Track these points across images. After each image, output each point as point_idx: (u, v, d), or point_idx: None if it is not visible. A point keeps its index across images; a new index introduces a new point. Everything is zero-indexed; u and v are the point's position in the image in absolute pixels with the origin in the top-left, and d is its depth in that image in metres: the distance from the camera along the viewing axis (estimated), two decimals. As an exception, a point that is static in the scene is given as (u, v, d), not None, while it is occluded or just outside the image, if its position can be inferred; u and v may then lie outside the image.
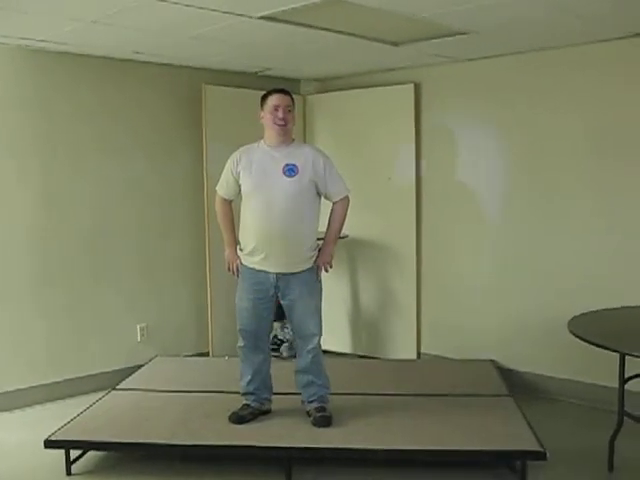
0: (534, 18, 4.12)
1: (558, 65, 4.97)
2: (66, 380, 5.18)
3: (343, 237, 6.03)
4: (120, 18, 4.02)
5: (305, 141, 6.40)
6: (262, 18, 4.04)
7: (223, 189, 4.19)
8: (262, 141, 4.09)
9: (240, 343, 4.19)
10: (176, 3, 3.69)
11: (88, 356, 5.32)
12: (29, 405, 4.97)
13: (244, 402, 4.19)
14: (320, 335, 4.16)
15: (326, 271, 4.18)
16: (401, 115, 5.79)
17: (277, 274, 4.02)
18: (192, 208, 5.80)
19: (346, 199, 4.17)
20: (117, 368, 5.35)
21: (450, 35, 4.52)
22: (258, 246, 4.00)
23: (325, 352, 6.28)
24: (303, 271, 4.05)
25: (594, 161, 4.85)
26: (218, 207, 4.24)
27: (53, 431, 3.94)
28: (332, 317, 6.37)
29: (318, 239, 4.17)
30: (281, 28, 4.25)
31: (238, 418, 4.08)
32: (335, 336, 6.37)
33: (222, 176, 4.19)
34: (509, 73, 5.24)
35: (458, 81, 5.53)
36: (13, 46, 4.81)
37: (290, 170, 3.96)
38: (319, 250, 4.13)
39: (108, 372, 5.32)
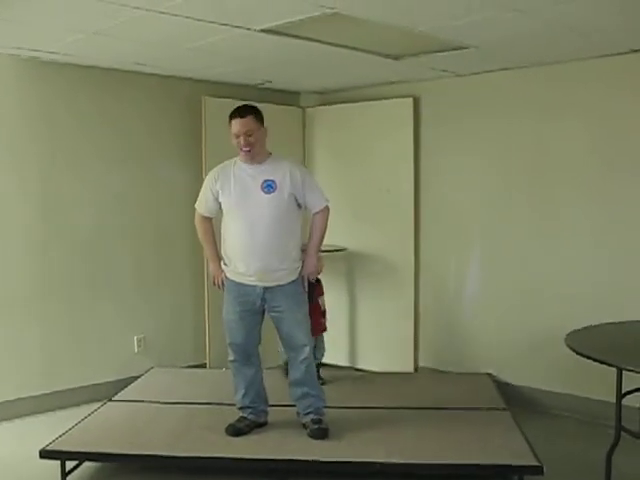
0: (534, 33, 4.14)
1: (558, 80, 4.99)
2: (62, 391, 5.16)
3: (341, 250, 6.05)
4: (121, 30, 4.04)
5: (304, 154, 6.44)
6: (263, 31, 4.05)
7: (202, 207, 4.22)
8: (238, 158, 4.11)
9: (231, 357, 4.20)
10: (176, 15, 3.71)
11: (85, 367, 5.30)
12: (25, 415, 4.95)
13: (241, 415, 4.18)
14: (310, 345, 4.16)
15: (311, 281, 4.27)
16: (400, 128, 5.80)
17: (263, 287, 4.04)
18: (191, 220, 5.71)
19: (326, 210, 4.21)
20: (114, 379, 5.33)
21: (450, 49, 4.53)
22: (242, 262, 4.03)
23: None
24: (289, 283, 4.08)
25: (596, 176, 4.86)
26: (198, 225, 4.27)
27: (49, 442, 3.92)
28: (329, 330, 6.36)
29: (303, 249, 4.22)
30: (281, 41, 4.27)
31: (235, 430, 4.08)
32: (332, 349, 6.35)
33: (201, 194, 4.22)
34: (509, 88, 5.25)
35: (458, 95, 5.55)
36: (15, 56, 4.83)
37: (268, 186, 4.00)
38: (303, 261, 4.16)
39: (105, 383, 5.30)
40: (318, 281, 4.94)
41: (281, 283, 4.05)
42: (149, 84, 5.58)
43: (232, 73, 5.53)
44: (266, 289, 4.04)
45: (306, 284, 4.20)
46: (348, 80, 5.88)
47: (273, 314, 4.11)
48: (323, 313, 5.18)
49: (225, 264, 4.14)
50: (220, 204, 4.12)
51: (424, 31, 4.06)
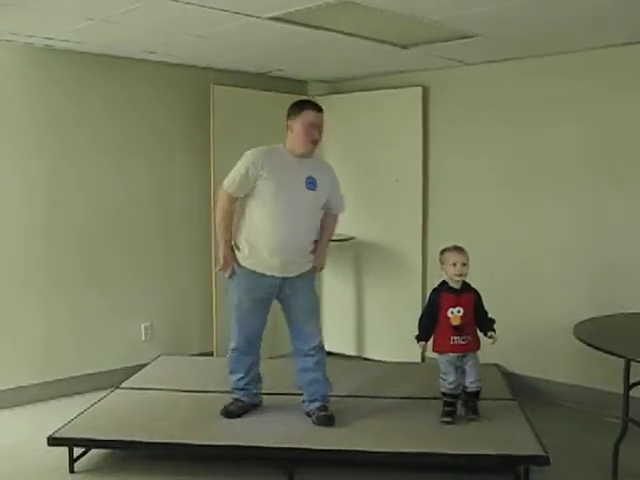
0: (543, 22, 4.11)
1: (568, 69, 4.97)
2: (70, 378, 5.19)
3: (349, 239, 6.05)
4: (131, 17, 4.03)
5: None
6: (271, 19, 4.04)
7: (234, 187, 3.99)
8: (283, 146, 4.09)
9: (233, 345, 4.20)
10: (186, 3, 3.70)
11: (92, 355, 5.33)
12: (33, 403, 4.98)
13: (234, 397, 4.22)
14: (318, 335, 4.19)
15: (318, 271, 4.34)
16: (409, 118, 5.78)
17: (283, 278, 4.05)
18: (198, 207, 5.80)
19: (340, 214, 4.35)
20: (121, 367, 5.35)
21: (459, 38, 4.51)
22: (269, 251, 3.97)
23: (329, 354, 6.30)
24: (304, 272, 4.12)
25: (606, 163, 4.84)
26: (225, 205, 4.05)
27: (56, 429, 3.94)
28: (337, 319, 6.39)
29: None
30: (290, 29, 4.26)
31: (228, 412, 4.13)
32: (340, 338, 6.37)
33: (234, 173, 4.01)
34: (519, 77, 5.23)
35: (467, 84, 5.53)
36: (20, 44, 4.82)
37: (311, 183, 4.03)
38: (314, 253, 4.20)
39: (112, 371, 5.33)
40: None
41: (298, 273, 4.08)
42: (157, 72, 5.58)
43: (241, 61, 5.52)
44: (284, 278, 4.05)
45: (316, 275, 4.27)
46: (357, 69, 5.85)
47: (288, 301, 4.12)
48: (456, 328, 4.03)
49: (239, 250, 4.06)
50: (254, 188, 3.98)
51: (433, 20, 4.04)
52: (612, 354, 3.42)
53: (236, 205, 4.08)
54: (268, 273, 4.02)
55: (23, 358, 5.00)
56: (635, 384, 3.80)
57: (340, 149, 6.29)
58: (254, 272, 4.03)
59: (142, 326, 5.62)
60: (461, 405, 4.09)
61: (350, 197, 6.05)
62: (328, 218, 4.25)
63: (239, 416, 4.13)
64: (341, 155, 6.28)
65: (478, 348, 4.08)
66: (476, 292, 4.10)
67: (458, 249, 4.07)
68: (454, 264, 4.01)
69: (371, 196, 6.11)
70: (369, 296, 6.21)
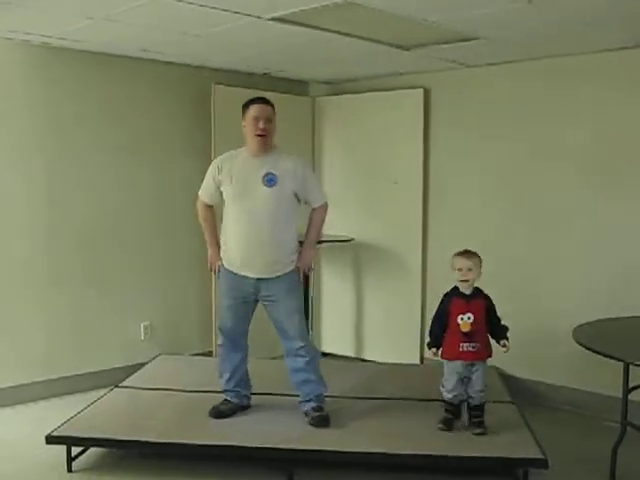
0: (545, 25, 4.11)
1: (569, 72, 4.97)
2: (69, 377, 5.19)
3: (348, 240, 6.05)
4: (132, 15, 4.03)
5: (313, 144, 6.43)
6: (272, 19, 4.04)
7: (205, 195, 4.28)
8: (244, 149, 4.14)
9: (220, 341, 4.29)
10: (187, 2, 3.70)
11: (91, 354, 5.33)
12: (31, 401, 4.98)
13: (225, 398, 4.26)
14: (303, 335, 4.16)
15: (305, 274, 4.28)
16: (410, 120, 5.78)
17: (256, 278, 4.07)
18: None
19: (324, 206, 4.25)
20: (120, 366, 5.35)
21: (460, 41, 4.51)
22: (238, 253, 4.07)
23: (328, 355, 6.34)
24: (284, 274, 4.10)
25: (608, 166, 4.84)
26: (200, 211, 4.33)
27: (55, 427, 3.94)
28: (336, 320, 6.39)
29: (300, 241, 4.23)
30: (291, 30, 4.26)
31: (218, 413, 4.16)
32: (338, 340, 6.37)
33: (204, 181, 4.27)
34: (519, 80, 5.23)
35: (468, 87, 5.53)
36: (18, 41, 4.81)
37: (270, 180, 4.02)
38: (299, 253, 4.18)
39: (111, 370, 5.33)
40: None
41: (276, 275, 4.07)
42: (158, 71, 5.57)
43: (242, 61, 5.52)
44: (259, 280, 4.07)
45: (301, 276, 4.22)
46: (358, 70, 5.86)
47: (266, 303, 4.14)
48: (466, 334, 3.93)
49: (223, 252, 4.19)
50: (222, 193, 4.15)
51: (435, 22, 4.04)
52: (611, 357, 3.42)
53: (212, 210, 4.32)
54: (242, 273, 4.08)
55: (23, 356, 5.00)
56: (634, 388, 3.80)
57: (340, 150, 6.30)
58: (233, 273, 4.13)
59: (141, 325, 5.62)
60: (467, 418, 4.03)
61: (350, 198, 6.12)
62: (311, 214, 4.24)
63: (228, 416, 4.15)
64: (341, 156, 6.29)
65: (489, 356, 3.98)
66: (487, 298, 4.01)
67: (465, 254, 3.99)
68: (459, 269, 3.95)
69: (371, 197, 6.11)
70: (368, 298, 6.21)
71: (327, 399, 4.25)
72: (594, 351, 3.49)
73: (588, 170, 4.92)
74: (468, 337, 3.89)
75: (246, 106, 4.10)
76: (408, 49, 4.82)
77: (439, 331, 4.00)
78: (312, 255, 4.25)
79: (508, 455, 3.69)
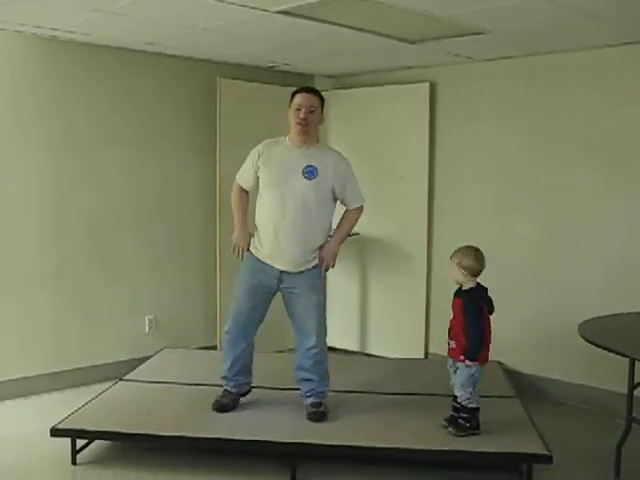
0: (550, 19, 4.09)
1: (574, 67, 4.95)
2: (74, 370, 5.20)
3: (354, 234, 6.03)
4: (137, 8, 4.02)
5: (318, 137, 6.39)
6: (279, 12, 4.03)
7: (240, 176, 4.21)
8: (288, 137, 4.10)
9: (227, 327, 4.22)
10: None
11: (96, 346, 5.34)
12: (36, 394, 4.99)
13: (224, 388, 4.23)
14: (318, 333, 4.10)
15: (326, 270, 4.15)
16: (416, 114, 5.77)
17: (282, 271, 4.03)
18: (203, 201, 5.80)
19: (361, 209, 4.20)
20: (125, 359, 5.36)
21: (467, 34, 4.49)
22: (267, 241, 4.02)
23: (332, 349, 6.32)
24: (309, 269, 4.06)
25: (618, 161, 4.82)
26: (234, 194, 4.24)
27: (59, 420, 3.95)
28: (341, 314, 6.38)
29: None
30: (297, 23, 4.24)
31: (221, 406, 4.13)
32: (343, 334, 6.36)
33: (243, 165, 4.19)
34: (526, 74, 5.21)
35: (475, 81, 5.51)
36: (28, 34, 4.81)
37: (309, 172, 3.97)
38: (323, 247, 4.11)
39: (115, 363, 5.34)
40: None
41: (301, 269, 4.04)
42: (164, 65, 5.57)
43: (247, 55, 5.50)
44: (284, 273, 4.03)
45: (323, 271, 4.13)
46: (364, 64, 5.84)
47: (287, 296, 4.10)
48: (448, 331, 3.92)
49: (253, 237, 4.14)
50: (258, 179, 4.09)
51: (441, 15, 4.03)
52: (616, 353, 3.42)
53: (246, 196, 4.23)
54: (268, 262, 4.04)
55: (28, 349, 5.01)
56: (639, 383, 3.79)
57: (346, 144, 6.26)
58: (259, 259, 4.07)
59: (146, 319, 5.63)
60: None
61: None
62: (346, 213, 4.19)
63: (232, 408, 4.13)
64: (347, 150, 6.18)
65: (460, 358, 3.76)
66: (466, 299, 3.81)
67: (455, 252, 3.92)
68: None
69: (376, 192, 6.07)
70: (373, 292, 6.20)
71: (331, 394, 4.25)
72: (599, 346, 3.49)
73: (597, 165, 4.89)
74: (449, 333, 3.89)
75: (293, 94, 4.08)
76: (414, 43, 4.80)
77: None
78: (336, 252, 4.16)
79: (512, 450, 3.69)
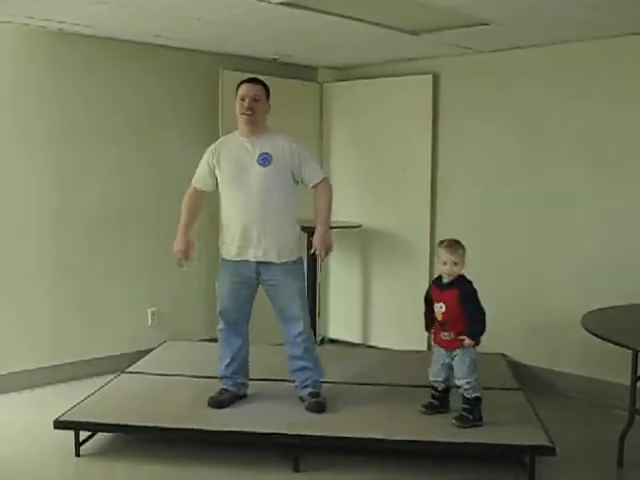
0: (554, 10, 4.07)
1: (579, 58, 4.94)
2: (76, 362, 5.21)
3: (356, 227, 6.04)
4: (143, 1, 4.02)
5: (321, 130, 6.40)
6: (281, 4, 4.01)
7: (198, 180, 4.24)
8: (237, 132, 4.14)
9: (220, 326, 4.25)
10: (196, -14, 3.69)
11: (98, 339, 5.34)
12: (39, 386, 4.99)
13: (222, 387, 4.22)
14: (305, 319, 4.14)
15: (324, 255, 4.14)
16: (419, 105, 5.75)
17: (257, 262, 4.05)
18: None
19: (325, 183, 4.15)
20: (127, 352, 5.36)
21: (470, 25, 4.48)
22: (237, 236, 4.05)
23: (335, 341, 6.34)
24: (287, 262, 4.07)
25: (619, 156, 4.81)
26: (186, 198, 4.28)
27: (63, 412, 3.95)
28: (343, 307, 6.39)
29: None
30: (300, 14, 4.23)
31: (217, 402, 4.12)
32: (345, 326, 6.37)
33: (198, 167, 4.24)
34: (529, 65, 5.19)
35: (477, 72, 5.49)
36: (35, 27, 4.79)
37: (264, 159, 4.00)
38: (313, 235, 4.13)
39: (118, 355, 5.34)
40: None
41: (277, 261, 4.05)
42: (166, 57, 5.55)
43: (250, 47, 5.49)
44: (259, 263, 4.05)
45: (321, 260, 4.17)
46: (367, 56, 5.82)
47: (267, 287, 4.13)
48: (440, 323, 3.92)
49: (223, 242, 4.17)
50: (216, 179, 4.14)
51: (444, 6, 4.01)
52: (620, 345, 3.41)
53: (200, 199, 4.29)
54: (242, 259, 4.06)
55: (31, 341, 5.01)
56: (642, 375, 3.79)
57: (348, 136, 6.27)
58: (233, 262, 4.11)
59: (148, 311, 5.63)
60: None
61: (357, 184, 6.11)
62: (315, 195, 4.17)
63: (227, 406, 4.12)
64: (349, 142, 6.26)
65: (461, 343, 3.82)
66: (462, 287, 3.83)
67: (450, 247, 3.87)
68: (444, 263, 3.87)
69: (378, 183, 6.09)
70: (375, 284, 6.20)
71: (333, 385, 4.27)
72: (603, 338, 3.48)
73: (601, 157, 4.88)
74: (442, 326, 3.88)
75: (238, 85, 4.12)
76: (417, 34, 4.78)
77: (426, 314, 4.04)
78: (325, 237, 4.11)
79: (515, 442, 3.68)
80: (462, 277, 3.90)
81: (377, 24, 4.52)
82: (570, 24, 4.43)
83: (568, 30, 4.60)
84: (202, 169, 4.20)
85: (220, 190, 4.16)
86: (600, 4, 3.90)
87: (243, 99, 4.03)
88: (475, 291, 3.85)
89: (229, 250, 4.12)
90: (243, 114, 4.03)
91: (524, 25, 4.49)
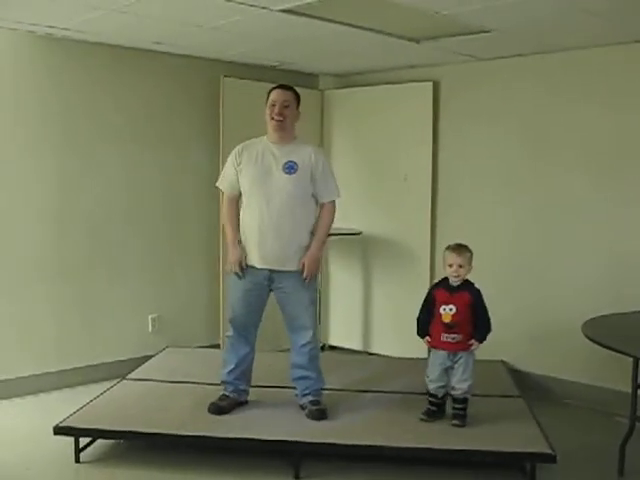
0: (555, 17, 4.09)
1: (579, 66, 4.95)
2: (77, 368, 5.20)
3: (357, 234, 6.04)
4: (141, 8, 4.03)
5: (322, 137, 6.41)
6: (282, 11, 4.03)
7: (226, 185, 4.20)
8: (265, 137, 4.13)
9: (229, 332, 4.24)
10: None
11: (99, 345, 5.34)
12: (39, 392, 4.99)
13: (222, 392, 4.22)
14: (313, 330, 4.14)
15: (310, 277, 4.07)
16: (419, 113, 5.76)
17: (270, 270, 4.04)
18: (206, 199, 5.79)
19: (332, 205, 4.15)
20: (128, 358, 5.36)
21: (471, 33, 4.49)
22: (253, 241, 4.04)
23: (335, 348, 6.34)
24: (297, 270, 4.05)
25: (620, 161, 4.81)
26: (226, 207, 4.21)
27: (63, 418, 3.95)
28: (344, 314, 6.39)
29: None
30: (300, 22, 4.25)
31: (218, 409, 4.11)
32: (346, 333, 6.37)
33: (224, 170, 4.22)
34: (530, 73, 5.20)
35: (478, 80, 5.50)
36: (31, 33, 4.82)
37: (289, 167, 4.00)
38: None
39: (119, 361, 5.34)
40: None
41: (290, 269, 4.04)
42: (167, 64, 5.57)
43: (251, 54, 5.50)
44: (272, 271, 4.05)
45: (307, 278, 4.06)
46: (368, 63, 5.83)
47: (278, 294, 4.12)
48: (447, 325, 3.96)
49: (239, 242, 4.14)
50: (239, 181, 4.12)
51: (445, 14, 4.02)
52: (620, 352, 3.41)
53: (236, 206, 4.20)
54: (257, 266, 4.05)
55: (31, 347, 5.01)
56: (643, 383, 3.78)
57: (349, 143, 6.28)
58: (248, 265, 4.08)
59: (149, 318, 5.63)
60: (452, 408, 4.03)
61: (358, 192, 6.11)
62: (320, 212, 4.15)
63: (228, 412, 4.11)
64: (350, 149, 6.27)
65: (470, 347, 3.95)
66: (474, 292, 3.94)
67: (457, 249, 3.96)
68: (450, 265, 3.94)
69: (379, 191, 6.10)
70: (376, 291, 6.20)
71: (333, 392, 4.27)
72: (603, 346, 3.48)
73: (602, 165, 4.89)
74: (449, 328, 3.91)
75: (270, 91, 4.12)
76: (419, 42, 4.80)
77: (425, 319, 4.04)
78: (319, 258, 4.12)
79: (516, 449, 3.68)
80: (468, 281, 3.96)
81: (378, 32, 4.53)
82: (571, 31, 4.44)
83: (569, 37, 4.61)
84: (229, 173, 4.15)
85: (243, 195, 4.12)
86: (601, 11, 3.91)
87: (274, 104, 4.02)
88: (481, 294, 3.94)
89: (246, 255, 4.10)
90: (273, 119, 4.02)
91: (525, 32, 4.50)
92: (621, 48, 4.70)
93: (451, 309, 3.90)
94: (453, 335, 3.91)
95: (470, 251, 3.97)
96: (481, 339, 3.93)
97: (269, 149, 4.06)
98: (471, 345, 3.92)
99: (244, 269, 4.08)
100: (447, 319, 3.91)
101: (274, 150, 4.05)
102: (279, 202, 3.97)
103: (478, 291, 3.94)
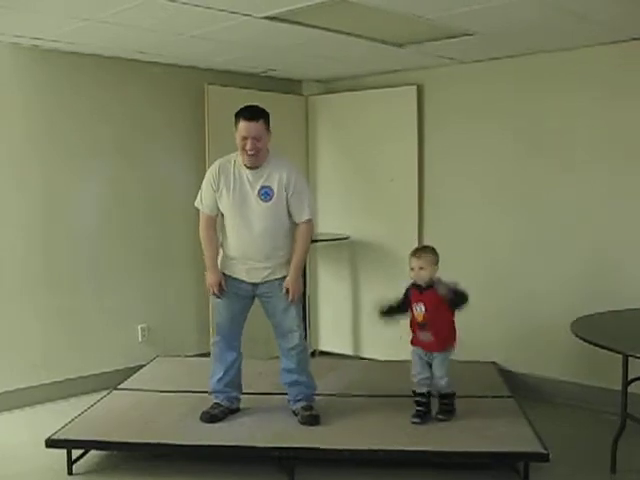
0: (538, 20, 4.12)
1: (563, 67, 4.98)
2: (67, 380, 5.18)
3: (344, 239, 6.05)
4: (126, 17, 4.02)
5: (307, 143, 6.42)
6: (265, 18, 4.03)
7: (206, 205, 4.15)
8: (238, 155, 4.07)
9: (214, 339, 4.27)
10: (185, 3, 3.70)
11: (89, 356, 5.31)
12: (30, 405, 4.96)
13: (214, 401, 4.22)
14: (300, 332, 4.17)
15: (295, 299, 4.10)
16: (404, 117, 5.78)
17: (253, 283, 4.11)
18: (193, 208, 5.72)
19: (309, 225, 4.13)
20: (118, 368, 5.34)
21: (454, 36, 4.51)
22: (236, 259, 4.09)
23: (325, 353, 6.33)
24: (283, 277, 4.09)
25: (606, 164, 4.85)
26: (203, 229, 4.17)
27: (54, 431, 3.93)
28: (333, 318, 6.39)
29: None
30: (284, 28, 4.25)
31: (210, 417, 4.11)
32: (336, 337, 6.37)
33: (202, 192, 4.17)
34: (514, 75, 5.23)
35: (462, 83, 5.53)
36: (15, 45, 4.80)
37: (265, 194, 4.01)
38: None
39: (109, 372, 5.32)
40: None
41: (274, 278, 4.09)
42: (151, 72, 5.56)
43: (235, 61, 5.50)
44: (254, 284, 4.11)
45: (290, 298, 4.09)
46: (352, 68, 5.85)
47: (263, 300, 4.16)
48: (420, 324, 4.10)
49: (222, 256, 4.18)
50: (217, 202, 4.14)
51: (428, 18, 4.04)
52: (610, 350, 3.43)
53: (215, 228, 4.19)
54: (242, 279, 4.11)
55: (20, 360, 4.98)
56: (633, 380, 3.81)
57: (334, 148, 6.30)
58: (230, 276, 4.13)
59: (139, 327, 5.61)
60: (437, 403, 4.12)
61: (345, 196, 6.13)
62: (297, 231, 4.12)
63: (220, 420, 4.11)
64: (335, 154, 6.28)
65: (443, 349, 4.03)
66: (436, 284, 4.01)
67: (416, 253, 4.10)
68: (412, 269, 4.07)
69: (366, 195, 6.11)
70: (364, 295, 6.19)
71: (324, 397, 4.28)
72: (593, 344, 3.50)
73: (584, 163, 4.92)
74: (422, 327, 4.05)
75: (236, 118, 3.99)
76: (402, 46, 4.82)
77: (392, 306, 4.18)
78: (300, 278, 4.15)
79: (509, 449, 3.70)
80: (440, 279, 4.06)
81: (362, 37, 4.55)
82: (555, 33, 4.47)
83: (553, 39, 4.65)
84: (208, 195, 4.12)
85: (223, 215, 4.12)
86: (585, 13, 3.94)
87: (245, 138, 3.92)
88: (442, 279, 4.03)
89: (227, 266, 4.14)
90: (246, 152, 3.95)
91: (508, 35, 4.52)
92: (606, 48, 4.73)
93: (421, 308, 4.03)
94: (426, 334, 4.03)
95: (433, 253, 4.09)
96: (452, 302, 3.96)
97: (243, 175, 4.04)
98: (446, 348, 4.03)
99: (224, 291, 4.12)
100: (420, 318, 4.05)
101: (249, 175, 4.03)
102: (259, 227, 4.01)
103: (439, 278, 4.03)
